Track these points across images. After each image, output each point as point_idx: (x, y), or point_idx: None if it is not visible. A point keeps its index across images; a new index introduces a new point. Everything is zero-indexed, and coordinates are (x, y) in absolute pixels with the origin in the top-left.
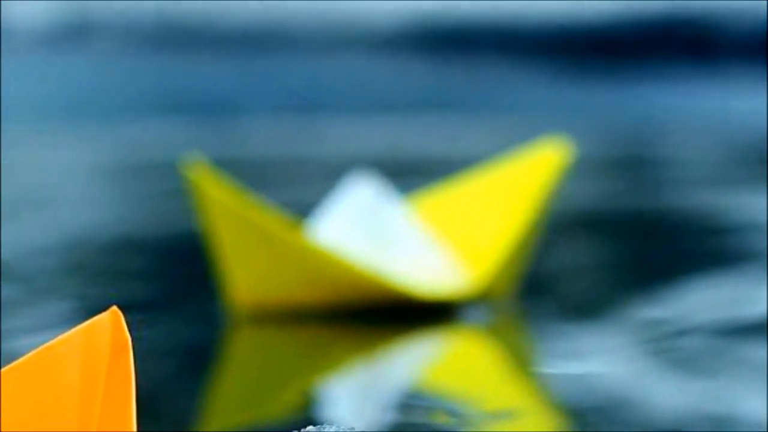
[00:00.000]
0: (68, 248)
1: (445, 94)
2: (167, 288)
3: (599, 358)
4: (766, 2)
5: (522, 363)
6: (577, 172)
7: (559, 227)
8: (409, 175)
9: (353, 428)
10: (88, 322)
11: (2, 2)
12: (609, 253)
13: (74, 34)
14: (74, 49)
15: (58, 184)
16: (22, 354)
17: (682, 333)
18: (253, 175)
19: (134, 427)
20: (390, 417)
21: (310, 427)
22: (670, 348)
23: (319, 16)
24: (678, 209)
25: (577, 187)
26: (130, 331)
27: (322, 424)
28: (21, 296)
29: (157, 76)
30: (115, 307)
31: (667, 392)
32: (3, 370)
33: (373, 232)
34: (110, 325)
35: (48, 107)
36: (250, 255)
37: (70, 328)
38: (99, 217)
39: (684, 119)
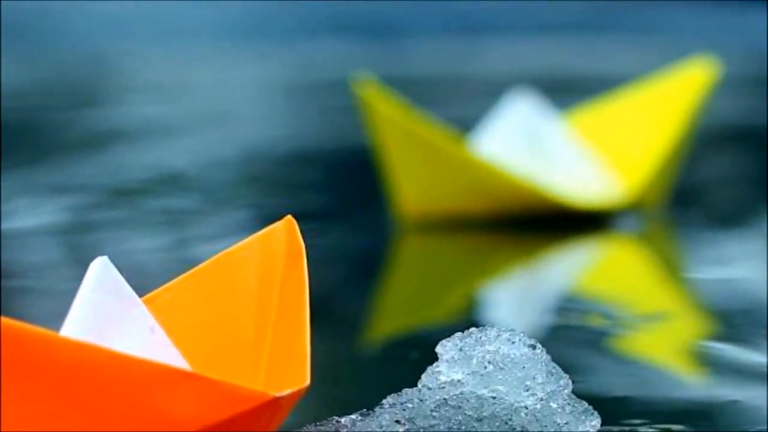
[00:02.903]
0: (245, 161)
1: (601, 16)
2: (339, 199)
3: (744, 264)
4: None
5: (671, 268)
6: (723, 89)
7: (707, 141)
8: (565, 92)
9: (514, 330)
10: (264, 230)
11: None
12: (753, 166)
13: None
14: None
15: (236, 100)
16: (203, 260)
17: None
18: (419, 92)
19: (308, 327)
20: (548, 319)
21: (472, 329)
22: None
23: None
24: None
25: (723, 103)
26: (303, 238)
27: (484, 326)
28: (202, 206)
29: None
30: (290, 216)
31: None
32: (186, 274)
33: (532, 146)
34: (285, 233)
35: (227, 28)
36: (417, 167)
37: (247, 235)
38: (274, 132)
39: None
